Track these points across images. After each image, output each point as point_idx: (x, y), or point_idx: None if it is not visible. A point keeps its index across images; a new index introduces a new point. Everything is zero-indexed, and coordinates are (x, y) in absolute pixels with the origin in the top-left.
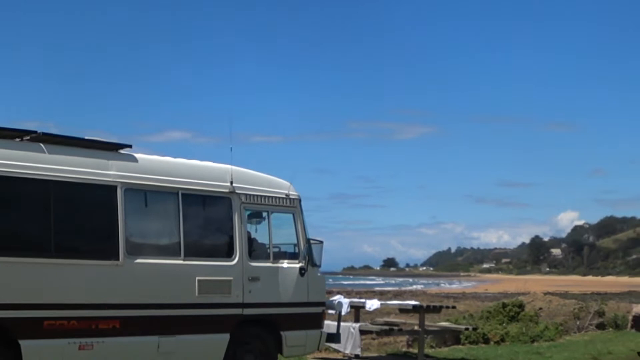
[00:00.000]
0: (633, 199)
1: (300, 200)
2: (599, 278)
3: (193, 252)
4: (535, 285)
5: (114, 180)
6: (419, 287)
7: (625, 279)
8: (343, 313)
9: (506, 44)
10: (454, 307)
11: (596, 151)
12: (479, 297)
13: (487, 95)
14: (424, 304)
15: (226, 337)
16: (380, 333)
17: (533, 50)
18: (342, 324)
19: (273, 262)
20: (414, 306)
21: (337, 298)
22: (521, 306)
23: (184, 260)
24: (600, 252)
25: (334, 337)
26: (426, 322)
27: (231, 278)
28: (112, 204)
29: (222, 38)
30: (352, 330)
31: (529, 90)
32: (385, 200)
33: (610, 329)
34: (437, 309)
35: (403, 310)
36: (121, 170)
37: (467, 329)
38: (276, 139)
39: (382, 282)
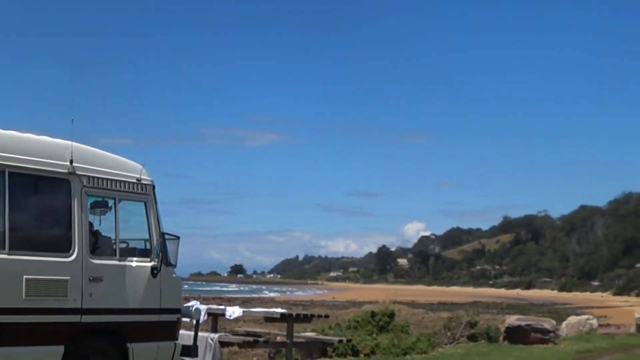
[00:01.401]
0: (478, 211)
1: (154, 187)
2: (444, 288)
3: (21, 244)
4: (384, 294)
5: None
6: (274, 294)
7: (469, 289)
8: (201, 321)
9: (352, 53)
10: (326, 316)
11: (443, 163)
12: (328, 305)
13: (339, 104)
14: (293, 313)
15: (60, 349)
16: (242, 345)
17: (378, 59)
18: (199, 334)
19: (119, 260)
20: (282, 314)
21: (194, 304)
22: (392, 316)
23: (8, 254)
24: (445, 263)
25: (190, 350)
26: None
27: (68, 278)
28: None
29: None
30: (210, 341)
31: (379, 101)
32: (234, 206)
33: (483, 341)
34: (307, 318)
35: (269, 319)
36: None
37: (340, 341)
38: (125, 142)
39: (236, 288)
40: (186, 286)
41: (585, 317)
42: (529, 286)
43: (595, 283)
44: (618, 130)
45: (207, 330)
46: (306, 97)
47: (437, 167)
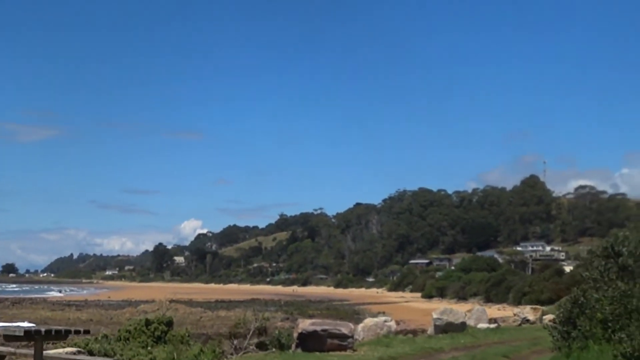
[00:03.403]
0: (255, 209)
1: None
2: (221, 286)
3: None
4: (160, 293)
5: None
6: (58, 294)
7: (247, 286)
8: None
9: (127, 51)
10: (87, 332)
11: (220, 161)
12: (103, 305)
13: (114, 100)
14: (43, 329)
15: None
16: None
17: (151, 55)
18: None
19: None
20: (27, 332)
21: None
22: (169, 324)
23: None
24: (222, 261)
25: None
26: (48, 350)
27: None
28: None
29: None
30: None
31: (155, 97)
32: (5, 203)
33: (274, 350)
34: (61, 335)
35: (10, 338)
36: None
37: None
38: None
39: (16, 288)
40: None
41: (382, 318)
42: (305, 283)
43: (371, 279)
44: (392, 130)
45: None
46: (80, 92)
47: (213, 165)
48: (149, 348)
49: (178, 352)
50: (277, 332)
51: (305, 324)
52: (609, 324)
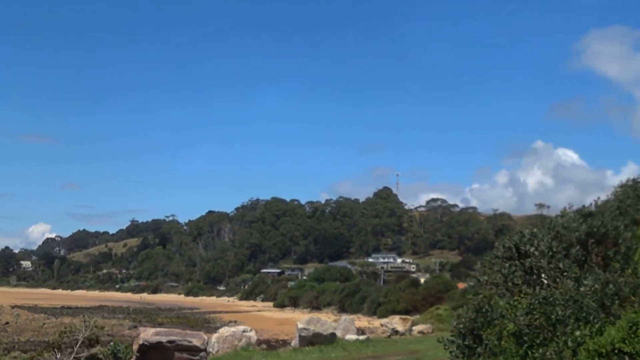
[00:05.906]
0: (105, 214)
1: None
2: (69, 292)
3: None
4: (4, 297)
5: None
6: None
7: (95, 293)
8: None
9: None
10: None
11: (70, 165)
12: None
13: None
14: None
15: None
16: None
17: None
18: None
19: None
20: None
21: None
22: None
23: None
24: (71, 266)
25: None
26: None
27: None
28: None
29: None
30: None
31: (2, 99)
32: None
33: None
34: None
35: None
36: None
37: None
38: None
39: None
40: None
41: (241, 328)
42: (155, 290)
43: (222, 288)
44: (246, 138)
45: None
46: None
47: (63, 169)
48: None
49: None
50: (112, 343)
51: (148, 334)
52: (525, 338)
